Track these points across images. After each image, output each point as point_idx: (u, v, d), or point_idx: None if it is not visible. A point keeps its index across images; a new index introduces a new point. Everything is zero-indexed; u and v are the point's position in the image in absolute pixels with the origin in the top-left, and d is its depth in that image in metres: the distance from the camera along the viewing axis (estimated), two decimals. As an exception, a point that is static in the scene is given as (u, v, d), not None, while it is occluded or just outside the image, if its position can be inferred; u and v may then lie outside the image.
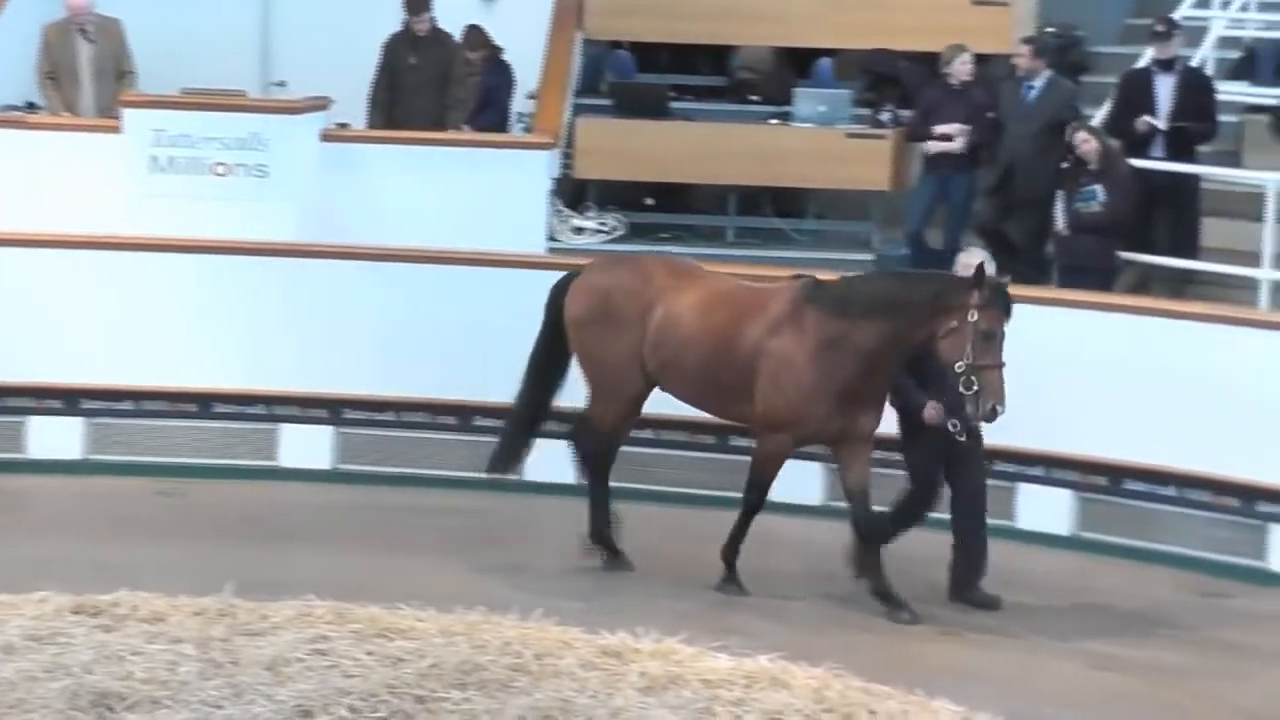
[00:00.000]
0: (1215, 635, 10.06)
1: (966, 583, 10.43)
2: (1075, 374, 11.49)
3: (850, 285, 10.33)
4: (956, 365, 9.83)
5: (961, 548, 10.43)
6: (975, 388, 9.80)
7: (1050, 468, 11.62)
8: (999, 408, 9.81)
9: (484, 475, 12.33)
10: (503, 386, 12.32)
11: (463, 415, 12.52)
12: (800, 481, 11.85)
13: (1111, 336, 11.54)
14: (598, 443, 10.96)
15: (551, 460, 12.34)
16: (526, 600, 9.74)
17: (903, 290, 10.11)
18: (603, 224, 13.90)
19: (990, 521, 11.39)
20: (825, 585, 10.75)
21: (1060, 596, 10.72)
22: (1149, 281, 12.92)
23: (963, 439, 10.17)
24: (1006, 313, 9.87)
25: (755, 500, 10.60)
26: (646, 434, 12.33)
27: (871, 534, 10.31)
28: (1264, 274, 11.86)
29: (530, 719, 8.35)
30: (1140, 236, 12.72)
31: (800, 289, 10.34)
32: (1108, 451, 11.45)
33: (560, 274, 11.54)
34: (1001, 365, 9.84)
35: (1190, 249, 12.87)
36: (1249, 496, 10.99)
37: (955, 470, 10.32)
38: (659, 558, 11.12)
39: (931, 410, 10.14)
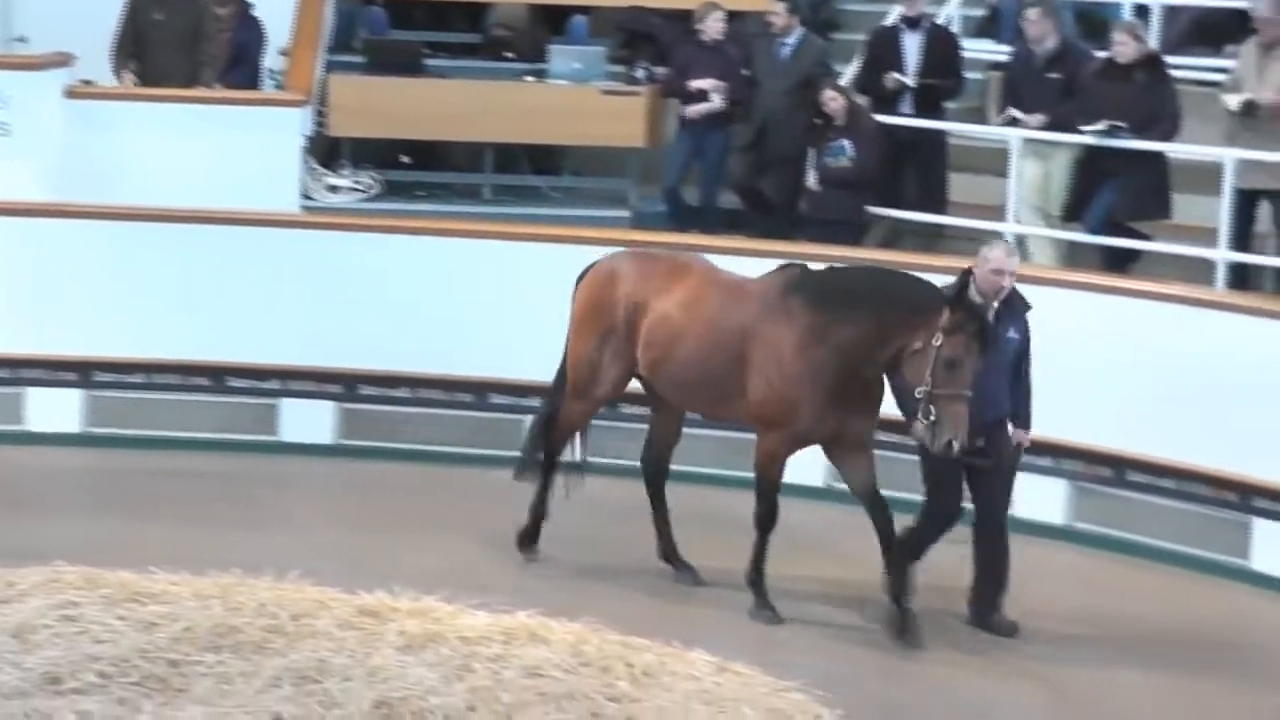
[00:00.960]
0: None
1: (988, 605, 9.69)
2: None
3: (833, 277, 9.77)
4: (917, 390, 9.12)
5: (982, 569, 9.67)
6: (933, 417, 9.06)
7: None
8: (955, 442, 9.00)
9: (238, 437, 12.28)
10: (256, 347, 12.26)
11: (215, 376, 12.37)
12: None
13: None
14: (557, 445, 10.58)
15: (303, 420, 12.29)
16: (281, 561, 9.64)
17: (878, 292, 9.44)
18: (358, 182, 13.77)
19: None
20: (584, 543, 10.80)
21: (809, 544, 10.85)
22: (899, 236, 13.12)
23: (975, 462, 9.34)
24: (978, 340, 9.07)
25: (765, 511, 9.86)
26: (402, 391, 12.31)
27: (900, 545, 9.58)
28: (1008, 228, 12.08)
29: (286, 680, 8.28)
30: (890, 191, 12.90)
31: (787, 277, 9.77)
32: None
33: (315, 233, 11.49)
34: (963, 396, 9.04)
35: (939, 204, 13.09)
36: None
37: (974, 485, 9.53)
38: (415, 516, 11.10)
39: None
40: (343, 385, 12.36)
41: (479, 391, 12.23)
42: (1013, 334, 9.46)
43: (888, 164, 12.83)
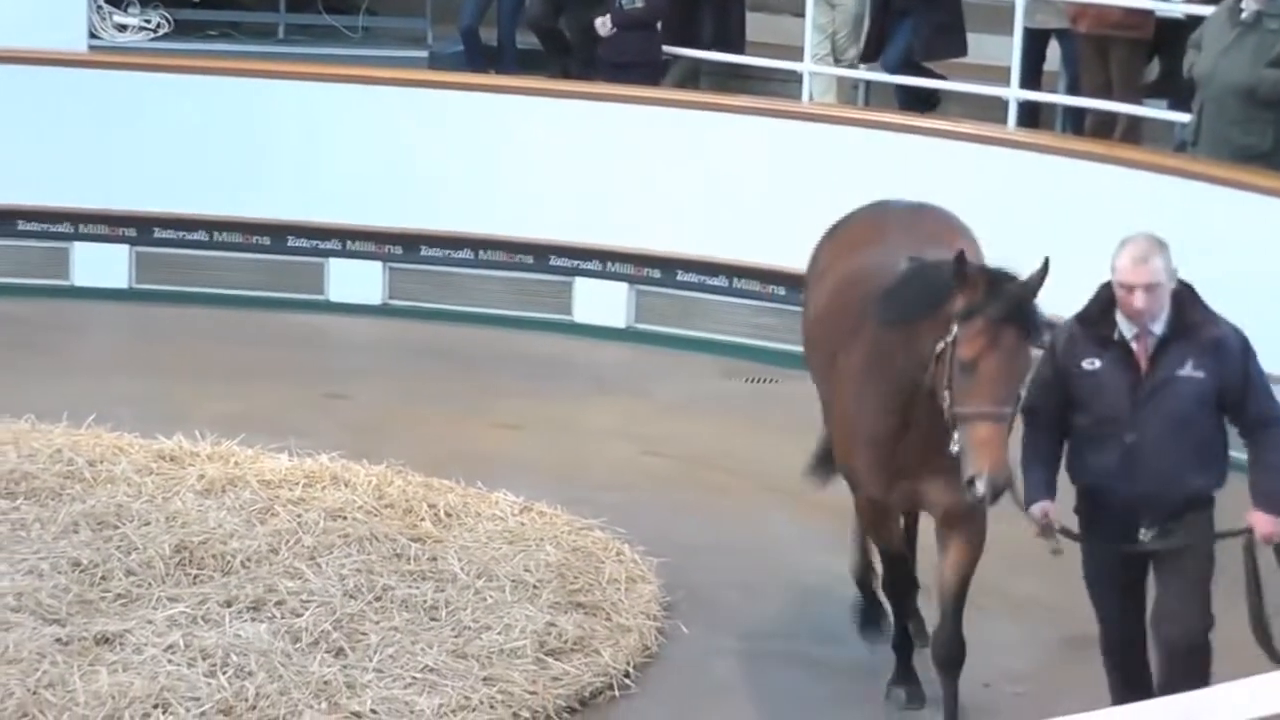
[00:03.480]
0: (759, 416, 10.40)
1: None
2: (630, 168, 11.67)
3: (906, 273, 6.90)
4: (945, 410, 6.53)
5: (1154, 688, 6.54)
6: (958, 445, 6.45)
7: (606, 261, 11.81)
8: (979, 483, 6.31)
9: (29, 281, 12.05)
10: (46, 190, 12.00)
11: (4, 220, 12.11)
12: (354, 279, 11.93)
13: (659, 130, 11.73)
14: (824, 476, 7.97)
15: (96, 264, 12.09)
16: (77, 408, 9.51)
17: (913, 285, 6.79)
18: (147, 21, 13.44)
19: (547, 315, 11.68)
20: (384, 383, 10.79)
21: (616, 387, 10.94)
22: (697, 76, 13.12)
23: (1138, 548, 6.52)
24: (1002, 328, 6.40)
25: (886, 576, 7.49)
26: (198, 235, 12.14)
27: (947, 659, 7.01)
28: (805, 67, 12.13)
29: (84, 525, 8.21)
30: (687, 32, 12.88)
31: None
32: (661, 245, 11.67)
33: (104, 72, 11.21)
34: (988, 415, 6.36)
35: (736, 44, 13.10)
36: (795, 285, 11.34)
37: (1159, 582, 6.61)
38: (213, 361, 11.00)
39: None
40: (137, 228, 12.15)
41: (277, 234, 12.09)
42: (1192, 371, 6.41)
43: (681, 5, 12.79)
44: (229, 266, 12.13)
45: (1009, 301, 6.44)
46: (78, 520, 8.23)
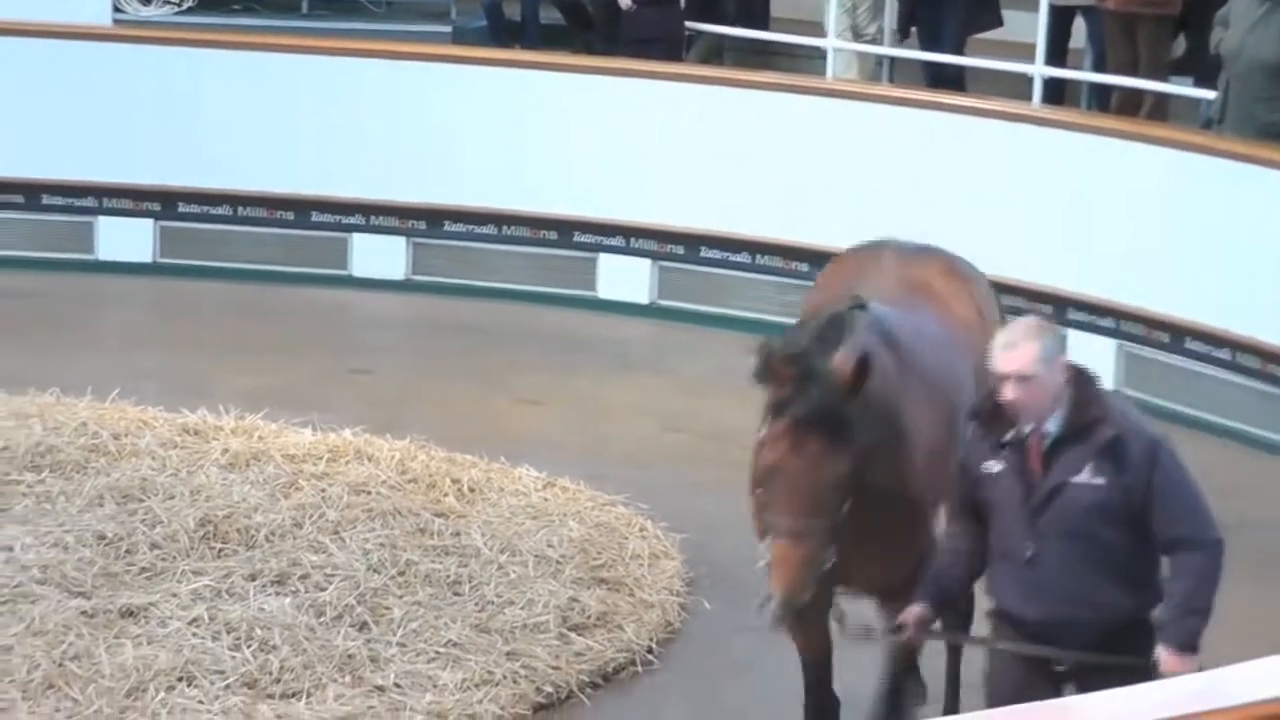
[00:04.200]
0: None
1: None
2: (654, 144, 11.66)
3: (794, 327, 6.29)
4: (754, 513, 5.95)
5: None
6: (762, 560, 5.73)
7: (630, 238, 11.80)
8: (768, 607, 5.61)
9: (54, 255, 12.06)
10: (66, 163, 12.01)
11: (30, 194, 12.13)
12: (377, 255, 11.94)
13: (683, 106, 11.72)
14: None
15: (120, 238, 12.11)
16: (101, 381, 9.53)
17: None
18: (171, -5, 13.47)
19: (571, 291, 11.69)
20: (408, 358, 10.81)
21: (639, 363, 10.94)
22: (720, 52, 13.09)
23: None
24: (812, 428, 5.60)
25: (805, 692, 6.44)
26: (222, 209, 12.15)
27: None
28: (829, 44, 12.11)
29: (109, 499, 8.23)
30: (711, 7, 12.85)
31: None
32: (685, 221, 11.66)
33: (129, 46, 11.22)
34: (788, 532, 5.59)
35: (760, 20, 13.07)
36: (821, 261, 11.33)
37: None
38: (236, 336, 11.01)
39: None
40: (161, 203, 12.17)
41: (301, 209, 12.10)
42: (1090, 478, 5.53)
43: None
44: (253, 241, 12.14)
45: (815, 402, 5.55)
46: (103, 494, 8.26)
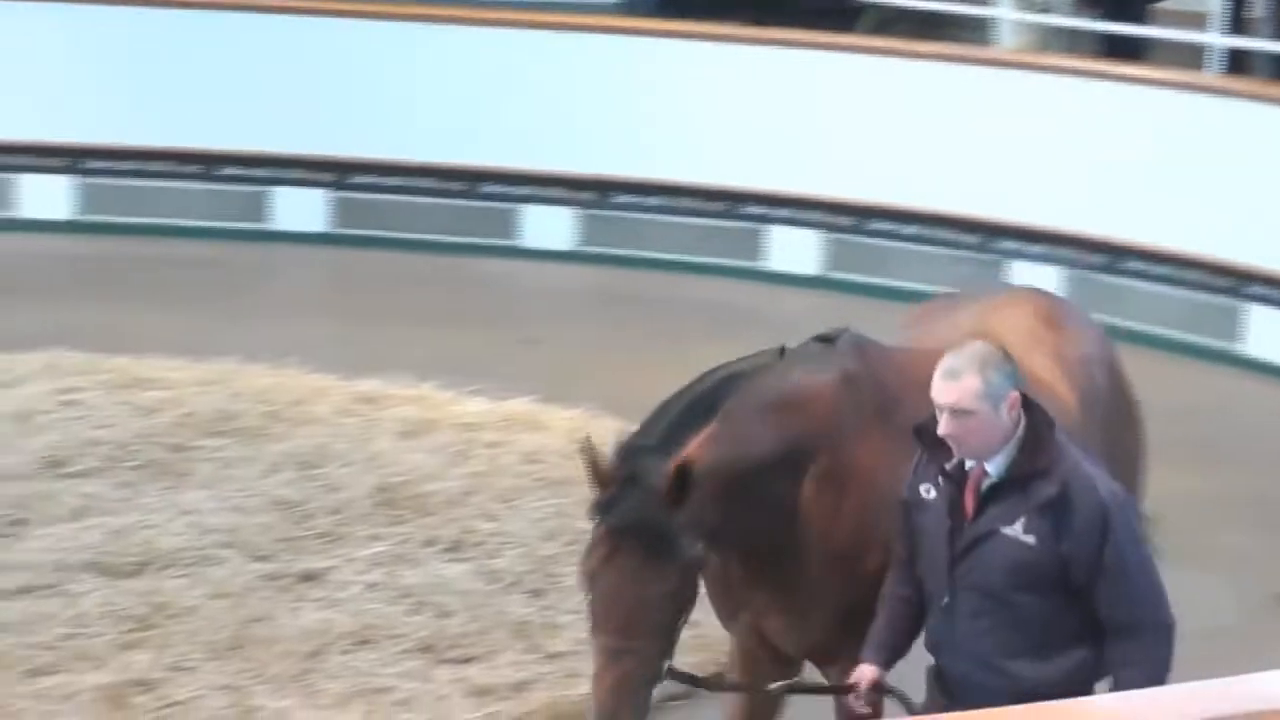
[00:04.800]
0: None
1: None
2: (819, 115, 11.63)
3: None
4: None
5: None
6: None
7: (798, 209, 11.79)
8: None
9: (230, 224, 12.24)
10: (242, 133, 12.17)
11: (208, 164, 12.32)
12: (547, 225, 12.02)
13: (852, 78, 11.68)
14: None
15: (295, 208, 12.27)
16: (276, 349, 9.67)
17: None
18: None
19: (738, 263, 11.69)
20: (578, 328, 10.87)
21: (806, 335, 10.88)
22: (890, 22, 13.01)
23: None
24: (627, 538, 5.05)
25: None
26: (395, 180, 12.26)
27: None
28: (1003, 13, 12.01)
29: (287, 465, 8.36)
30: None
31: None
32: (853, 193, 11.63)
33: (307, 19, 11.29)
34: (599, 649, 5.08)
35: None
36: (990, 234, 11.28)
37: None
38: (408, 306, 11.12)
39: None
40: (335, 173, 12.31)
41: (472, 180, 12.19)
42: (1020, 534, 4.94)
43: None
44: (424, 212, 12.24)
45: (631, 512, 4.98)
46: (281, 460, 8.39)
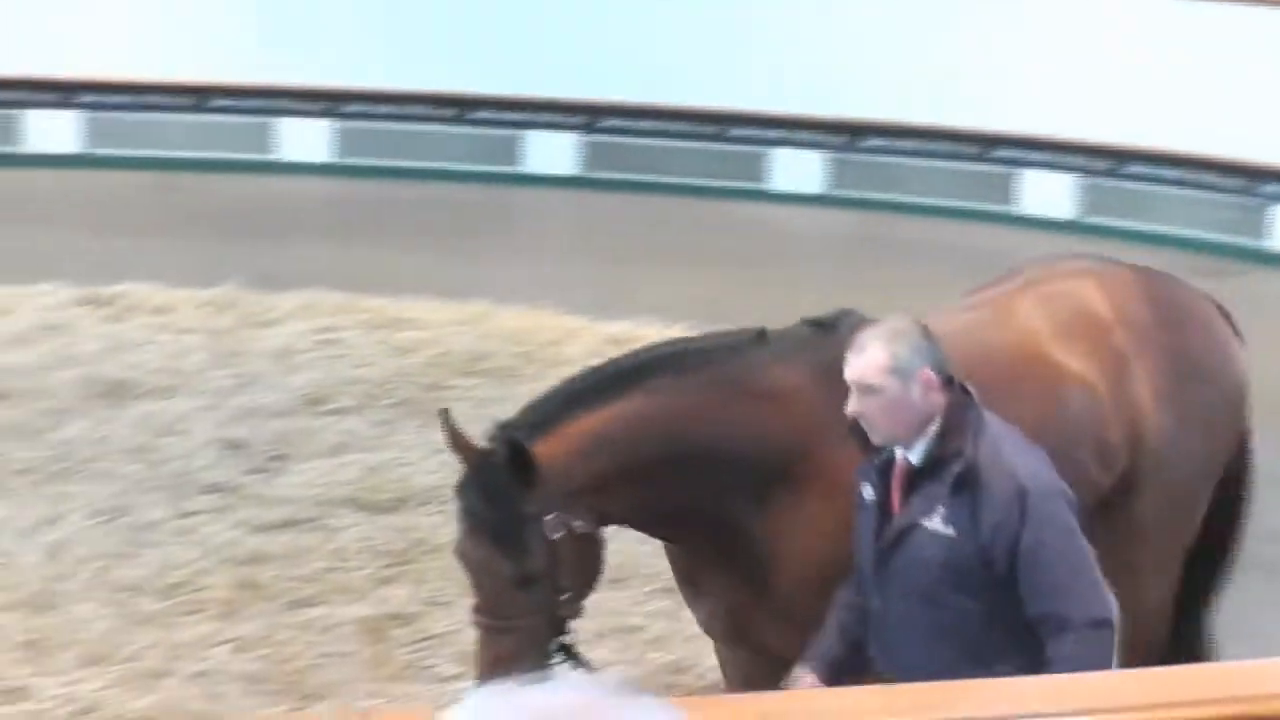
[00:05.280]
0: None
1: None
2: (1077, 58, 11.42)
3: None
4: None
5: None
6: None
7: (1053, 152, 11.60)
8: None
9: (481, 168, 12.36)
10: (495, 77, 12.27)
11: (462, 107, 12.45)
12: (796, 169, 11.96)
13: (1107, 18, 11.45)
14: None
15: (545, 151, 12.35)
16: (527, 291, 9.76)
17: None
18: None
19: (992, 207, 11.53)
20: (828, 271, 10.81)
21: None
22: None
23: None
24: (466, 516, 5.08)
25: None
26: (645, 123, 12.27)
27: None
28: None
29: (538, 405, 8.42)
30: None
31: None
32: (1111, 136, 11.41)
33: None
34: (477, 629, 5.10)
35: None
36: (1254, 178, 11.01)
37: None
38: (657, 248, 11.15)
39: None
40: (586, 116, 12.37)
41: (722, 123, 12.17)
42: (940, 526, 4.62)
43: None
44: (673, 155, 12.25)
45: (478, 494, 4.93)
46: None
